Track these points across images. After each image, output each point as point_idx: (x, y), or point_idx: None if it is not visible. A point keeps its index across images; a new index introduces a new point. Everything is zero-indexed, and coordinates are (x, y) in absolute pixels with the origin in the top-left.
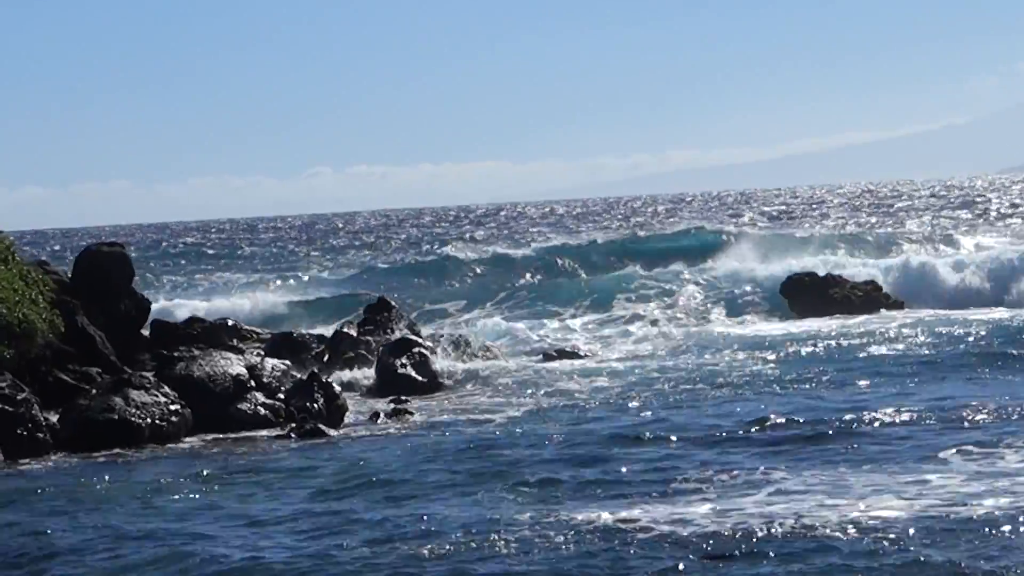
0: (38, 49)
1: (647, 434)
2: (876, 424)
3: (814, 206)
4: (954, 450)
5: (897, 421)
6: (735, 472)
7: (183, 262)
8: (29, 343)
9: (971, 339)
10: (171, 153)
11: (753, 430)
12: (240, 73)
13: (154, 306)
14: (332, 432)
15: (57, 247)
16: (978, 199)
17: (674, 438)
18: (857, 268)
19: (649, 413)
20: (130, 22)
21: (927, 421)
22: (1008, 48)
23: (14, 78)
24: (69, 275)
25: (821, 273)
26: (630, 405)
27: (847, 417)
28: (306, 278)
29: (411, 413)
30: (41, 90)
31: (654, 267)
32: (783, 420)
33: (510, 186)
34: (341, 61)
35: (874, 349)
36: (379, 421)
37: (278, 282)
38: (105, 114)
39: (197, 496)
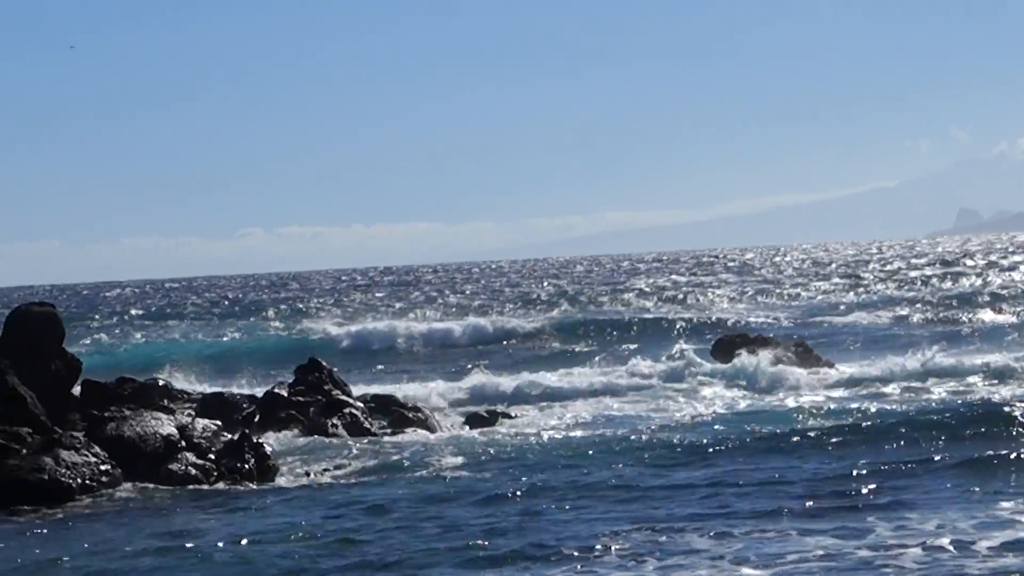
0: None
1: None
2: None
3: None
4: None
5: None
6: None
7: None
8: None
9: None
10: (103, 213)
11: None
12: (173, 133)
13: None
14: (256, 487)
15: None
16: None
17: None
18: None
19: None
20: (61, 81)
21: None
22: (942, 112)
23: None
24: None
25: None
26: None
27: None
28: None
29: (339, 471)
30: None
31: None
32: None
33: (442, 247)
34: (274, 122)
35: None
36: (310, 480)
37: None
38: (35, 173)
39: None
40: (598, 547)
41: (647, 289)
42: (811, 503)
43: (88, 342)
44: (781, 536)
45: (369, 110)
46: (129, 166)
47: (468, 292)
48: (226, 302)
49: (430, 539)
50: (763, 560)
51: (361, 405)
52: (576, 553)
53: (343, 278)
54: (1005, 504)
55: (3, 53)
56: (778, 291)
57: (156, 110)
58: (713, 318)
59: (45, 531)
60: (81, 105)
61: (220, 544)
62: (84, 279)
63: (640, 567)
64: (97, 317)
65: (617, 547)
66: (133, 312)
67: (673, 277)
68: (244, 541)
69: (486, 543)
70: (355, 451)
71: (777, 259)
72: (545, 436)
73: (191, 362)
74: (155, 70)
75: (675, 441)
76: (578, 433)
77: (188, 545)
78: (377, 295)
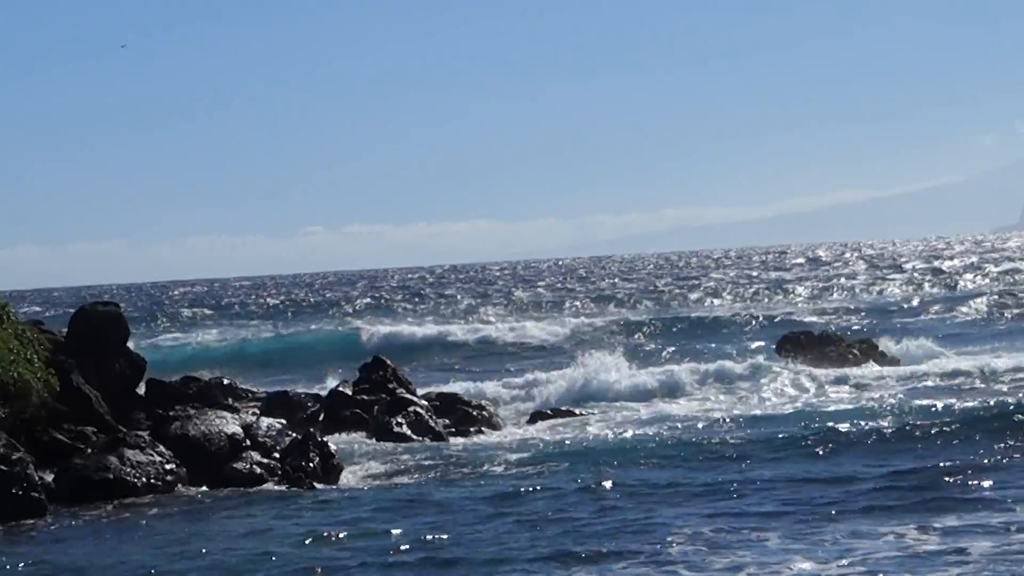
0: (33, 108)
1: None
2: None
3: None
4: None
5: None
6: None
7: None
8: (24, 402)
9: None
10: (167, 213)
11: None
12: (236, 133)
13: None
14: (321, 486)
15: (37, 306)
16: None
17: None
18: None
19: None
20: (124, 82)
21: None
22: (1006, 107)
23: (9, 135)
24: (64, 334)
25: None
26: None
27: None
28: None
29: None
30: (36, 149)
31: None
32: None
33: (506, 244)
34: (337, 121)
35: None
36: (376, 479)
37: None
38: (100, 174)
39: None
40: (670, 544)
41: (715, 286)
42: (880, 499)
43: (153, 341)
44: (851, 531)
45: (431, 108)
46: (193, 166)
47: (539, 289)
48: (296, 300)
49: (500, 538)
50: (833, 554)
51: (426, 403)
52: (648, 549)
53: (411, 276)
54: None
55: (65, 55)
56: (847, 287)
57: (219, 110)
58: (780, 315)
59: (110, 530)
60: (145, 105)
61: (286, 544)
62: (150, 278)
63: (711, 564)
64: (164, 315)
65: (688, 544)
66: (199, 311)
67: (742, 273)
68: (310, 540)
69: (557, 541)
70: (421, 450)
71: (847, 255)
72: (613, 434)
73: (253, 360)
74: (218, 69)
75: (742, 439)
76: (646, 431)
77: (253, 544)
78: (447, 292)
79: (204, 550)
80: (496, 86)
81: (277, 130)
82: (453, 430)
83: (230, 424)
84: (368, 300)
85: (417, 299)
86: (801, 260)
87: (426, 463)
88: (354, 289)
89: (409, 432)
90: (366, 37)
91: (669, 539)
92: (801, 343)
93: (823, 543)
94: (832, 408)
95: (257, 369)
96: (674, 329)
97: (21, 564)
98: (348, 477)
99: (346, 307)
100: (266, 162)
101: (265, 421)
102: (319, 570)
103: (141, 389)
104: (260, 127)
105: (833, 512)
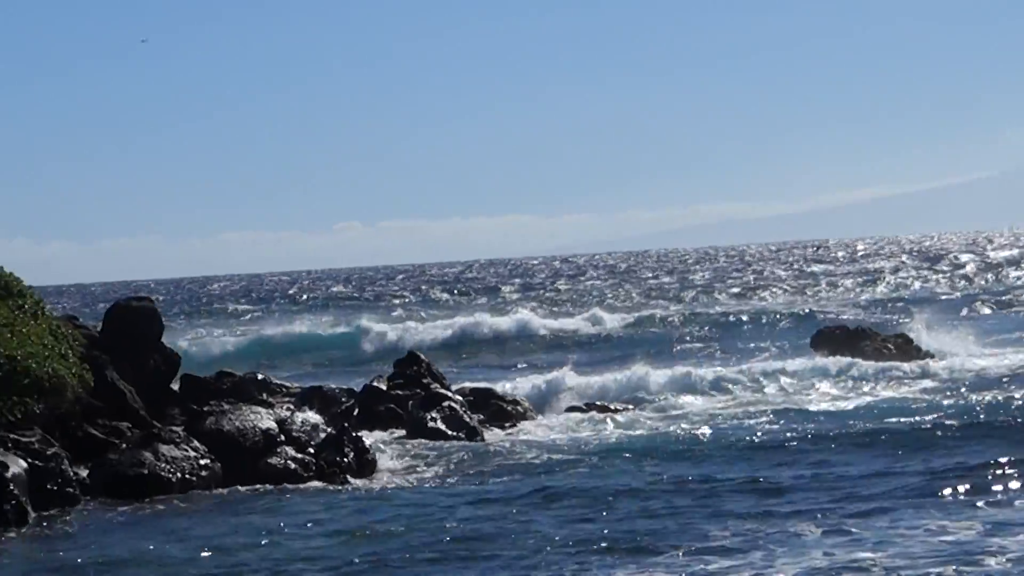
0: (66, 103)
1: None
2: None
3: None
4: None
5: None
6: None
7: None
8: (59, 398)
9: None
10: (200, 209)
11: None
12: (272, 128)
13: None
14: (356, 481)
15: (75, 302)
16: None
17: None
18: None
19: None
20: (159, 78)
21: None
22: None
23: (42, 131)
24: (99, 330)
25: None
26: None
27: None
28: None
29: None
30: (70, 144)
31: None
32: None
33: (543, 239)
34: (371, 116)
35: None
36: (411, 474)
37: None
38: (134, 169)
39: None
40: (709, 539)
41: (753, 280)
42: (918, 493)
43: (188, 337)
44: (891, 524)
45: (466, 102)
46: (225, 161)
47: (581, 283)
48: (339, 295)
49: (536, 532)
50: (872, 547)
51: (460, 399)
52: (687, 544)
53: (449, 270)
54: None
55: (95, 50)
56: (886, 281)
57: (252, 105)
58: (818, 309)
59: (144, 525)
60: (177, 101)
61: (321, 539)
62: (186, 273)
63: (750, 557)
64: (201, 310)
65: (727, 538)
66: (236, 306)
67: (781, 267)
68: (346, 536)
69: (595, 534)
70: (454, 445)
71: (885, 249)
72: (651, 430)
73: (289, 355)
74: (251, 64)
75: (780, 433)
76: (683, 426)
77: (288, 540)
78: (489, 285)
79: (238, 545)
80: (529, 82)
81: (311, 125)
82: (488, 425)
83: (264, 419)
84: (407, 295)
85: (456, 292)
86: (840, 254)
87: (461, 458)
88: (394, 283)
89: (444, 427)
90: (400, 32)
91: (709, 533)
92: (836, 338)
93: (863, 536)
94: (868, 403)
95: (290, 364)
96: (711, 323)
97: (54, 557)
98: (383, 472)
99: (393, 301)
100: (300, 157)
101: (300, 416)
102: (355, 565)
103: (176, 384)
104: (294, 123)
105: (872, 506)
